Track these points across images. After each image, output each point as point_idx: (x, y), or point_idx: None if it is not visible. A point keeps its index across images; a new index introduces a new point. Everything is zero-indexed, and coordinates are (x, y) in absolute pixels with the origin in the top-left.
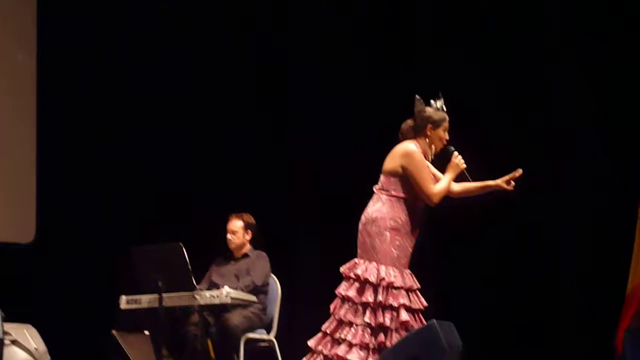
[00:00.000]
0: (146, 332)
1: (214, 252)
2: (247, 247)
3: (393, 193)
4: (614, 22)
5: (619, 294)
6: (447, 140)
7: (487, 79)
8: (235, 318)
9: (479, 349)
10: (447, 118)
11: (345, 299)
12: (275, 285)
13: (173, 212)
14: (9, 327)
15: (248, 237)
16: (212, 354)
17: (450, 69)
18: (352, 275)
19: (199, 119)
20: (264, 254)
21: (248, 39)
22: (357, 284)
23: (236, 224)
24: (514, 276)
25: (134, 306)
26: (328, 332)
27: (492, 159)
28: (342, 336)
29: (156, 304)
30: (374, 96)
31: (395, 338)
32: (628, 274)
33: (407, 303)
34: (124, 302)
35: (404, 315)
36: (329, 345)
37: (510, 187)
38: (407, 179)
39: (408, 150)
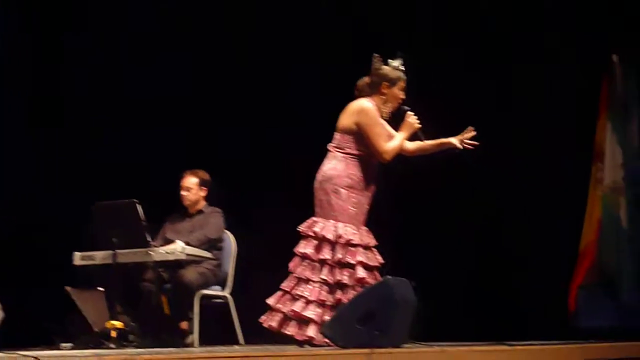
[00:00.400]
0: (100, 289)
1: (169, 209)
2: (202, 204)
3: (348, 150)
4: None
5: (572, 251)
6: (402, 100)
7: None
8: (190, 274)
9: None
10: (404, 77)
11: (303, 257)
12: (230, 241)
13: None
14: None
15: (203, 193)
16: (167, 310)
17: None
18: (310, 233)
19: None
20: (218, 209)
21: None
22: (314, 242)
23: (190, 181)
24: (469, 234)
25: (88, 262)
26: (287, 290)
27: (449, 122)
28: (300, 293)
29: (110, 261)
30: None
31: (352, 295)
32: (581, 232)
33: (365, 260)
34: (77, 258)
35: (361, 272)
36: (287, 303)
37: (461, 146)
38: (361, 136)
39: (362, 107)
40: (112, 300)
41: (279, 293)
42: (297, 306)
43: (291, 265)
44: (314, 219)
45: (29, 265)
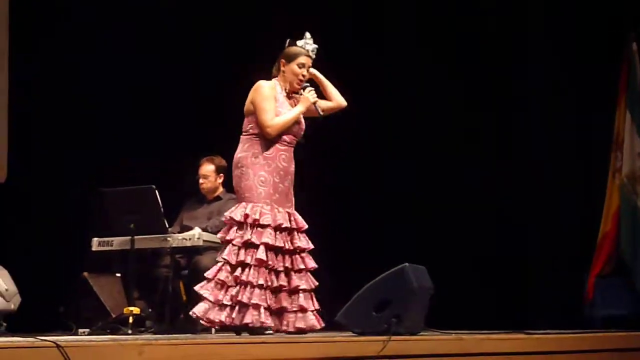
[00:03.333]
0: (117, 275)
1: (186, 195)
2: (220, 190)
3: (250, 131)
4: None
5: (590, 240)
6: (303, 77)
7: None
8: (207, 260)
9: (452, 292)
10: (305, 54)
11: (220, 243)
12: None
13: (146, 155)
14: None
15: (220, 180)
16: (184, 296)
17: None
18: (225, 218)
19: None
20: (235, 196)
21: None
22: (227, 225)
23: (208, 168)
24: (488, 222)
25: (105, 248)
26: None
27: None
28: (207, 275)
29: (128, 247)
30: None
31: (251, 274)
32: (599, 221)
33: (271, 242)
34: (95, 244)
35: (261, 254)
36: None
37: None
38: None
39: (256, 85)
40: (129, 286)
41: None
42: (199, 285)
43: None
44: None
45: (46, 250)
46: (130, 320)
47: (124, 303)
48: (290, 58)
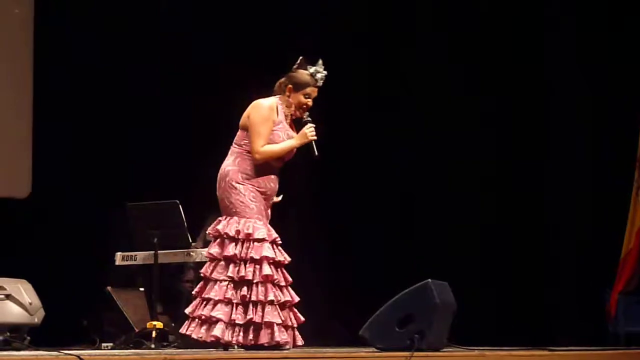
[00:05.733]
0: (141, 289)
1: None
2: None
3: (244, 147)
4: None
5: (614, 258)
6: (307, 107)
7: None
8: None
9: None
10: (313, 84)
11: (211, 259)
12: None
13: (171, 170)
14: (3, 281)
15: None
16: None
17: None
18: (215, 233)
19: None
20: None
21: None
22: (219, 240)
23: None
24: (511, 239)
25: (129, 262)
26: (198, 295)
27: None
28: (208, 295)
29: (151, 261)
30: None
31: (260, 292)
32: (623, 239)
33: (271, 255)
34: (119, 258)
35: (267, 269)
36: (199, 308)
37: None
38: None
39: (256, 102)
40: (153, 300)
41: (197, 300)
42: (206, 310)
43: (203, 269)
44: (219, 218)
45: (70, 264)
46: (154, 334)
47: (147, 317)
48: (299, 87)
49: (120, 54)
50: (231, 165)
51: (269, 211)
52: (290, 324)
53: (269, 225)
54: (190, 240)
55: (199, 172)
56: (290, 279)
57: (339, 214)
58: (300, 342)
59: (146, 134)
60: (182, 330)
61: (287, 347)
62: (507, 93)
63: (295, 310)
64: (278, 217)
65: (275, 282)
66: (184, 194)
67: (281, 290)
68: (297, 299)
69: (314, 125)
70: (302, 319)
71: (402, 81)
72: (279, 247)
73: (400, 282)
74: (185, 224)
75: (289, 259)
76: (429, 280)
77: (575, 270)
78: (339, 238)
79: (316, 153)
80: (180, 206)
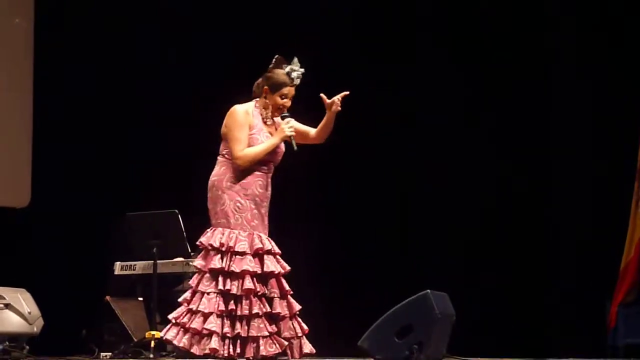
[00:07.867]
0: (140, 299)
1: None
2: None
3: (226, 156)
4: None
5: (614, 269)
6: (284, 107)
7: None
8: None
9: (473, 319)
10: (290, 85)
11: (199, 270)
12: None
13: (171, 180)
14: (2, 291)
15: None
16: None
17: None
18: (200, 245)
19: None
20: None
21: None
22: (204, 252)
23: None
24: (509, 248)
25: (128, 272)
26: (186, 304)
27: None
28: (197, 307)
29: (150, 271)
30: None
31: (244, 306)
32: (622, 250)
33: (252, 269)
34: (118, 268)
35: (248, 283)
36: (187, 317)
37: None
38: None
39: (231, 110)
40: (152, 310)
41: (182, 308)
42: (197, 322)
43: (191, 280)
44: (208, 229)
45: (69, 274)
46: (152, 344)
47: (146, 327)
48: (275, 88)
49: (122, 54)
50: (217, 174)
51: (266, 218)
52: (290, 334)
53: (259, 235)
54: (190, 250)
55: (198, 181)
56: (287, 288)
57: (339, 219)
58: (308, 350)
59: (147, 143)
60: (162, 333)
61: (284, 357)
62: (507, 93)
63: (299, 319)
64: (278, 218)
65: (259, 294)
66: (183, 204)
67: (270, 302)
68: (296, 308)
69: (292, 119)
70: (307, 328)
71: (402, 81)
72: (275, 257)
73: (397, 294)
74: (185, 233)
75: (287, 268)
76: (428, 291)
77: (575, 281)
78: (337, 250)
79: (295, 148)
80: (179, 216)
